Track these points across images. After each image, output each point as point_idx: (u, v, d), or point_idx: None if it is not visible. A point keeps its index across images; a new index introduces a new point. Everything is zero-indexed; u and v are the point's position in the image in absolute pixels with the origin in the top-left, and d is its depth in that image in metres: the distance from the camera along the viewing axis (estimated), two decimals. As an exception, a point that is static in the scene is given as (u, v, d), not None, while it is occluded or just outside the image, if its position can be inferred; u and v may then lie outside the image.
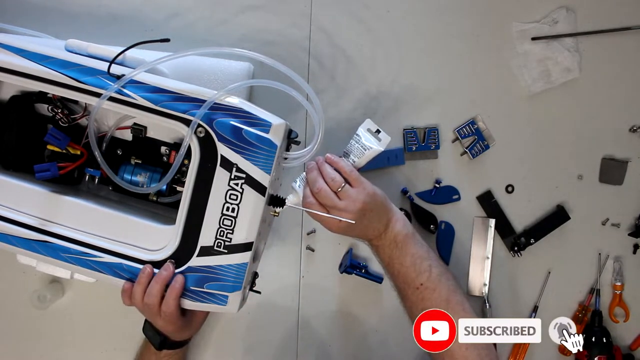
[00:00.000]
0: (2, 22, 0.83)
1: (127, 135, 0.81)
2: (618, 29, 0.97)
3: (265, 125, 0.71)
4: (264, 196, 0.71)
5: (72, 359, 0.95)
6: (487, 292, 0.98)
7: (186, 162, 0.73)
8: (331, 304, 0.97)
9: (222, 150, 0.70)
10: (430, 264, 0.80)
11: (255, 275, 0.82)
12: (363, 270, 0.94)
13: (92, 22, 0.91)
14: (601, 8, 0.97)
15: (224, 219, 0.72)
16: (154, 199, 0.80)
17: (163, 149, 0.80)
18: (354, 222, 0.75)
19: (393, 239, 0.80)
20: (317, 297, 0.96)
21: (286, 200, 0.77)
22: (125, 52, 0.74)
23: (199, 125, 0.70)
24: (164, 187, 0.79)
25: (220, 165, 0.71)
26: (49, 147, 0.77)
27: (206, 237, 0.72)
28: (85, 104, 0.78)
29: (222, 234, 0.72)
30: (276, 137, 0.71)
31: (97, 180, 0.81)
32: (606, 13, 0.97)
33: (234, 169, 0.71)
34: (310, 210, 0.77)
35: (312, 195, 0.77)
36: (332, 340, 0.97)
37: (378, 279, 0.94)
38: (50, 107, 0.78)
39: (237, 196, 0.71)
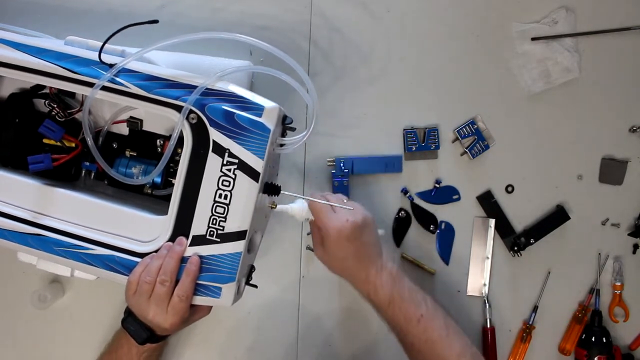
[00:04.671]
0: (2, 22, 0.81)
1: (124, 130, 0.78)
2: (618, 29, 0.93)
3: (258, 109, 0.67)
4: (257, 182, 0.67)
5: (72, 359, 0.92)
6: (487, 292, 0.94)
7: (179, 151, 0.70)
8: (331, 303, 0.93)
9: (214, 135, 0.67)
10: (422, 294, 0.77)
11: (251, 268, 0.78)
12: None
13: (92, 20, 0.88)
14: (601, 8, 0.93)
15: (217, 206, 0.68)
16: (149, 191, 0.77)
17: (158, 141, 0.77)
18: (351, 208, 0.73)
19: (389, 272, 0.76)
20: (317, 297, 0.93)
21: (289, 209, 0.74)
22: (124, 47, 0.71)
23: (192, 112, 0.67)
24: (159, 179, 0.76)
25: (213, 151, 0.67)
26: (45, 140, 0.74)
27: (198, 225, 0.69)
28: (82, 96, 0.75)
29: (214, 222, 0.68)
30: (269, 121, 0.67)
31: (93, 175, 0.78)
32: (606, 13, 0.93)
33: (227, 154, 0.67)
34: (313, 199, 0.73)
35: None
36: (332, 340, 0.94)
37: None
38: (47, 102, 0.75)
39: (229, 182, 0.67)
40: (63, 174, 0.77)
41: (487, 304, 0.95)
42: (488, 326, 0.95)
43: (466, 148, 0.93)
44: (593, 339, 0.94)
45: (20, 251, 0.74)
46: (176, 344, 0.92)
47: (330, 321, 0.94)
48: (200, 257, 0.69)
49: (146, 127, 0.77)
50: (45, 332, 0.92)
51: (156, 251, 0.70)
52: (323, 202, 0.74)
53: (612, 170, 0.96)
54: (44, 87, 0.76)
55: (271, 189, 0.73)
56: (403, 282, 0.76)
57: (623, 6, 0.94)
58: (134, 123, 0.76)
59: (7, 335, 0.92)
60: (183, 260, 0.69)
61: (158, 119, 0.76)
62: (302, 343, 0.93)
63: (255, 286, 0.78)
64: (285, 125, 0.72)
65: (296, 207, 0.76)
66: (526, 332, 0.95)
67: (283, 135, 0.73)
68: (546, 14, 0.93)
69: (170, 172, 0.76)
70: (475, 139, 0.93)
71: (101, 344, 0.86)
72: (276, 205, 0.75)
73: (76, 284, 0.91)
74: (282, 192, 0.74)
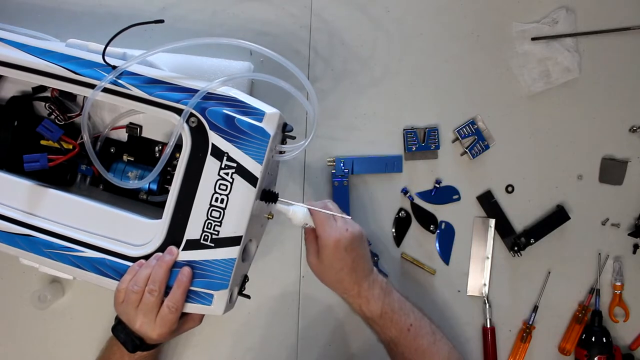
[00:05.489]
0: (3, 22, 0.81)
1: (123, 137, 0.77)
2: (618, 29, 0.92)
3: (258, 115, 0.67)
4: (255, 187, 0.66)
5: (72, 359, 0.92)
6: (487, 292, 0.94)
7: (178, 155, 0.69)
8: (332, 303, 0.93)
9: (214, 138, 0.66)
10: (410, 304, 0.78)
11: (245, 278, 0.76)
12: (375, 258, 0.89)
13: (93, 22, 0.87)
14: (601, 8, 0.92)
15: (212, 210, 0.67)
16: (144, 197, 0.76)
17: (156, 147, 0.76)
18: (349, 217, 0.73)
19: (380, 286, 0.76)
20: (317, 297, 0.92)
21: (290, 211, 0.73)
22: (125, 50, 0.71)
23: (192, 115, 0.66)
24: (155, 185, 0.75)
25: (211, 154, 0.66)
26: (43, 142, 0.73)
27: (193, 229, 0.67)
28: (83, 100, 0.74)
29: (209, 226, 0.67)
30: (269, 126, 0.67)
31: (88, 180, 0.77)
32: (606, 13, 0.93)
33: (225, 158, 0.66)
34: (314, 208, 0.72)
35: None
36: (332, 340, 0.93)
37: (383, 275, 0.91)
38: (47, 105, 0.74)
39: (226, 186, 0.67)
40: (58, 178, 0.76)
41: (487, 304, 0.94)
42: (488, 326, 0.94)
43: (466, 148, 0.93)
44: (593, 339, 0.94)
45: (8, 252, 0.72)
46: (176, 344, 0.91)
47: (331, 321, 0.93)
48: (193, 262, 0.68)
49: (145, 133, 0.76)
50: (45, 332, 0.91)
51: (149, 256, 0.69)
52: (325, 211, 0.73)
53: (612, 170, 0.95)
54: (45, 90, 0.76)
55: (268, 196, 0.72)
56: (393, 295, 0.77)
57: (623, 6, 0.93)
58: (133, 129, 0.75)
59: (7, 335, 0.91)
60: (176, 265, 0.68)
61: (157, 126, 0.75)
62: (302, 343, 0.93)
63: (248, 297, 0.77)
64: (285, 133, 0.72)
65: (298, 210, 0.73)
66: (526, 332, 0.95)
67: (283, 143, 0.72)
68: (546, 14, 0.93)
69: (166, 179, 0.75)
70: (475, 139, 0.93)
71: (101, 344, 0.85)
72: (273, 216, 0.74)
73: (76, 284, 0.90)
74: (279, 199, 0.73)
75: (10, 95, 0.76)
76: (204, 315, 0.75)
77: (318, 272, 0.76)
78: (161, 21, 0.70)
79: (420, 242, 0.94)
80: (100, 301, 0.89)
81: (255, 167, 0.66)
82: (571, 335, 0.96)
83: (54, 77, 0.69)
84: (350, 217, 0.74)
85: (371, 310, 0.76)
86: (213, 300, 0.69)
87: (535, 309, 0.96)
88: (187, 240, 0.68)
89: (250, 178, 0.67)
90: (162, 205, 0.70)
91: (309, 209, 0.73)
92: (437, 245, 0.94)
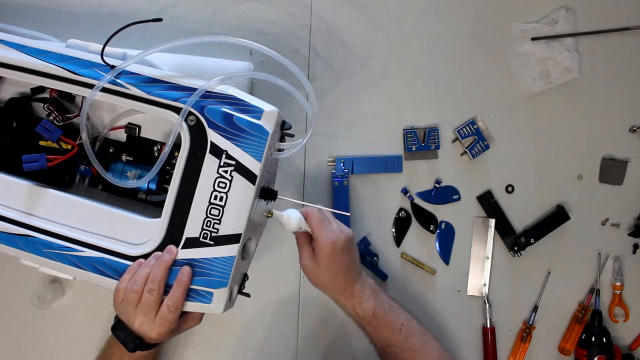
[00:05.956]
0: (3, 22, 0.81)
1: (122, 137, 0.77)
2: (618, 29, 0.92)
3: (257, 112, 0.67)
4: (254, 184, 0.66)
5: (72, 359, 0.92)
6: (487, 292, 0.94)
7: (176, 154, 0.69)
8: (332, 303, 0.91)
9: (212, 136, 0.66)
10: (399, 305, 0.79)
11: (244, 277, 0.76)
12: (375, 258, 0.90)
13: (93, 22, 0.87)
14: (601, 8, 0.92)
15: (212, 208, 0.67)
16: (143, 197, 0.75)
17: (155, 147, 0.76)
18: (349, 214, 0.74)
19: (369, 287, 0.77)
20: (317, 297, 0.91)
21: (284, 217, 0.72)
22: (125, 49, 0.71)
23: (191, 113, 0.66)
24: (154, 185, 0.74)
25: (210, 152, 0.66)
26: (42, 142, 0.73)
27: (192, 227, 0.67)
28: (82, 100, 0.73)
29: (209, 224, 0.67)
30: (268, 123, 0.66)
31: (87, 181, 0.77)
32: (606, 13, 0.92)
33: (224, 156, 0.66)
34: (309, 204, 0.72)
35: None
36: (332, 341, 0.93)
37: (383, 275, 0.91)
38: (46, 105, 0.74)
39: (225, 184, 0.66)
40: (57, 179, 0.76)
41: (487, 304, 0.94)
42: (488, 326, 0.94)
43: (466, 148, 0.92)
44: (593, 339, 0.93)
45: (7, 252, 0.72)
46: (176, 344, 0.91)
47: (331, 321, 0.93)
48: (193, 260, 0.68)
49: (144, 133, 0.76)
50: (45, 332, 0.91)
51: (148, 254, 0.69)
52: (326, 209, 0.74)
53: (612, 170, 0.95)
54: (43, 90, 0.75)
55: (268, 193, 0.72)
56: (382, 295, 0.79)
57: (623, 6, 0.93)
58: (132, 129, 0.75)
59: (7, 335, 0.91)
60: (175, 264, 0.68)
61: (156, 126, 0.75)
62: (303, 343, 0.93)
63: (248, 295, 0.77)
64: (284, 131, 0.71)
65: (292, 215, 0.73)
66: (526, 332, 0.95)
67: (281, 140, 0.72)
68: (546, 14, 0.93)
69: (165, 178, 0.75)
70: (475, 139, 0.93)
71: (101, 344, 0.85)
72: (272, 214, 0.74)
73: (76, 284, 0.90)
74: (278, 197, 0.73)
75: (9, 97, 0.76)
76: (203, 314, 0.74)
77: (313, 274, 0.75)
78: (159, 19, 0.70)
79: (420, 242, 0.94)
80: (100, 301, 0.89)
81: (254, 165, 0.66)
82: (571, 335, 0.96)
83: (52, 77, 0.69)
84: (349, 214, 0.74)
85: (364, 310, 0.77)
86: (213, 298, 0.69)
87: (535, 309, 0.95)
88: (187, 239, 0.68)
89: (249, 175, 0.66)
90: (161, 204, 0.70)
91: (306, 211, 0.73)
92: (437, 245, 0.94)
